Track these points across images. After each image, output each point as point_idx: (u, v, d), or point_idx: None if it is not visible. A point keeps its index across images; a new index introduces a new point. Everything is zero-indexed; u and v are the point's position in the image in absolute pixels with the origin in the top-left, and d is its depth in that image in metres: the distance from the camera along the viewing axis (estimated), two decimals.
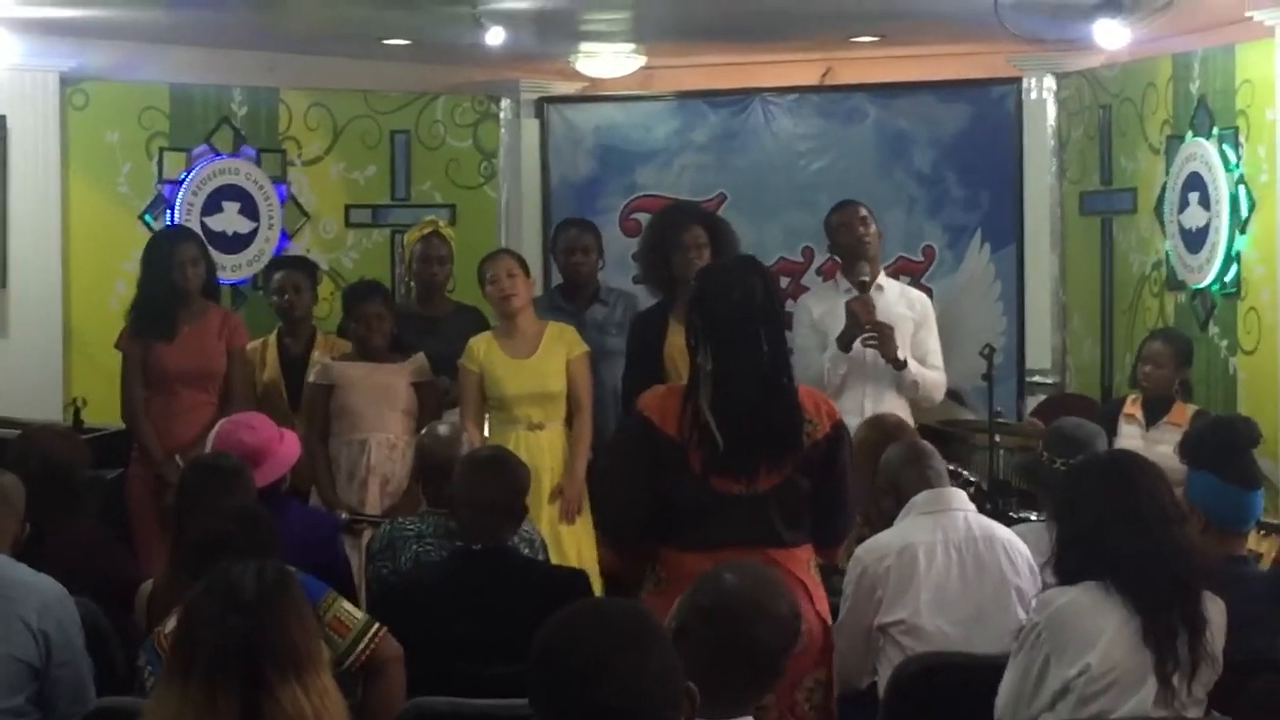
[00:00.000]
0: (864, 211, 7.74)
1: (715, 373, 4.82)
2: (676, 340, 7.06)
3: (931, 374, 7.66)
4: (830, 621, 4.93)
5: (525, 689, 2.89)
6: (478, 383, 7.49)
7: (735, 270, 5.12)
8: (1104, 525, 4.34)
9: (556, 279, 8.67)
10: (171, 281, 7.61)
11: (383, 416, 7.51)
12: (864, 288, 7.54)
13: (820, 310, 7.74)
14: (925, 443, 5.81)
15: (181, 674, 3.25)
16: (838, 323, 7.50)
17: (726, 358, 4.83)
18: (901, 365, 7.49)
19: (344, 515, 7.26)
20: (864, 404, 7.34)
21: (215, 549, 4.44)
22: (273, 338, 8.16)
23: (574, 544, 7.30)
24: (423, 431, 6.57)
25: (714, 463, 4.79)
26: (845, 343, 7.47)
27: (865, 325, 7.45)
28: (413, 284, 8.60)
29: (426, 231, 8.39)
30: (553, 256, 8.23)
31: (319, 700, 3.25)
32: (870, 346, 7.48)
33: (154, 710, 3.29)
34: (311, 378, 7.70)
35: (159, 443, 7.48)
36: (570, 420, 7.55)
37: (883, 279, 7.79)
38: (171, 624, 4.08)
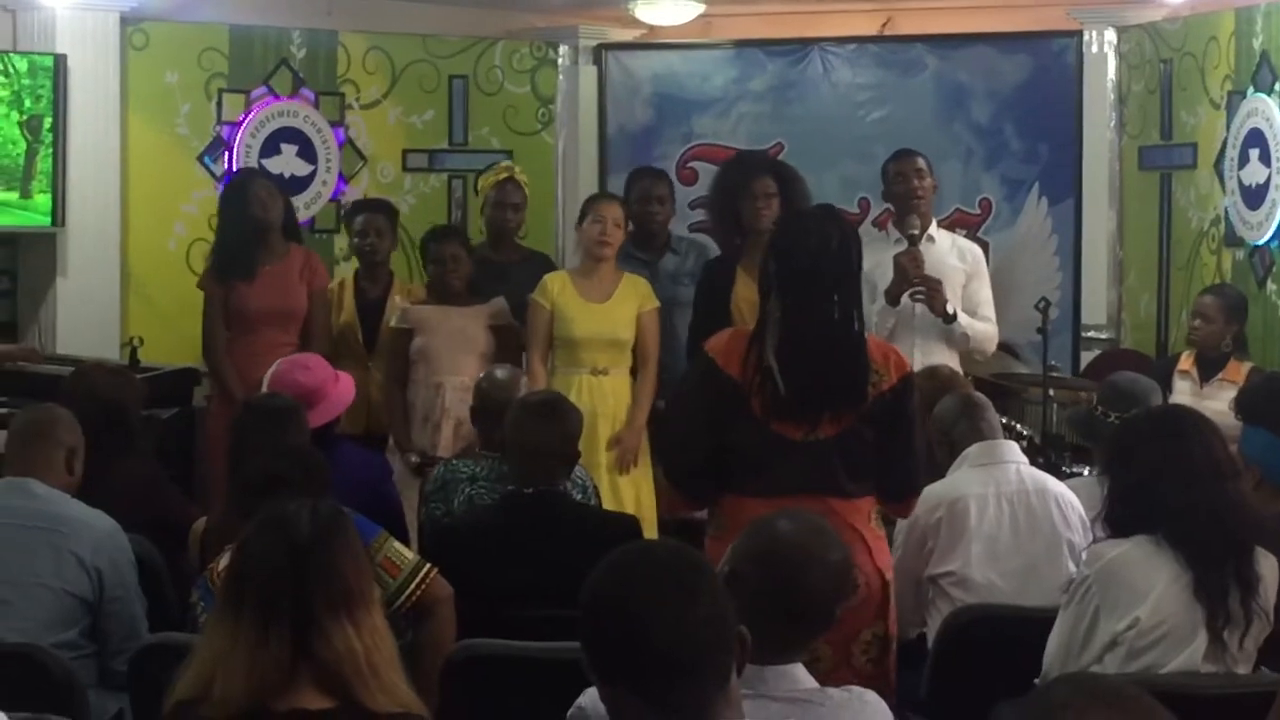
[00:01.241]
0: (921, 163, 7.72)
1: (783, 318, 4.82)
2: (744, 290, 7.07)
3: (982, 326, 7.64)
4: (889, 575, 4.90)
5: (576, 633, 2.91)
6: (548, 320, 7.50)
7: (813, 218, 5.11)
8: (1157, 478, 4.33)
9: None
10: (250, 215, 7.67)
11: (459, 360, 7.51)
12: (914, 241, 7.53)
13: (870, 262, 7.63)
14: (979, 395, 5.82)
15: (234, 609, 3.27)
16: (887, 275, 7.49)
17: (796, 304, 4.83)
18: (951, 319, 7.48)
19: (415, 458, 7.29)
20: (914, 356, 7.31)
21: (269, 488, 4.47)
22: (350, 279, 8.18)
23: (632, 491, 7.33)
24: (481, 374, 6.58)
25: (775, 407, 4.79)
26: (893, 297, 7.47)
27: (913, 280, 7.44)
28: (485, 228, 8.58)
29: (502, 177, 8.38)
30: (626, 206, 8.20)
31: (370, 639, 3.27)
32: (918, 301, 7.47)
33: (206, 644, 3.32)
34: (392, 322, 7.72)
35: (240, 383, 7.51)
36: (636, 372, 7.57)
37: (934, 230, 7.78)
38: (225, 561, 4.11)
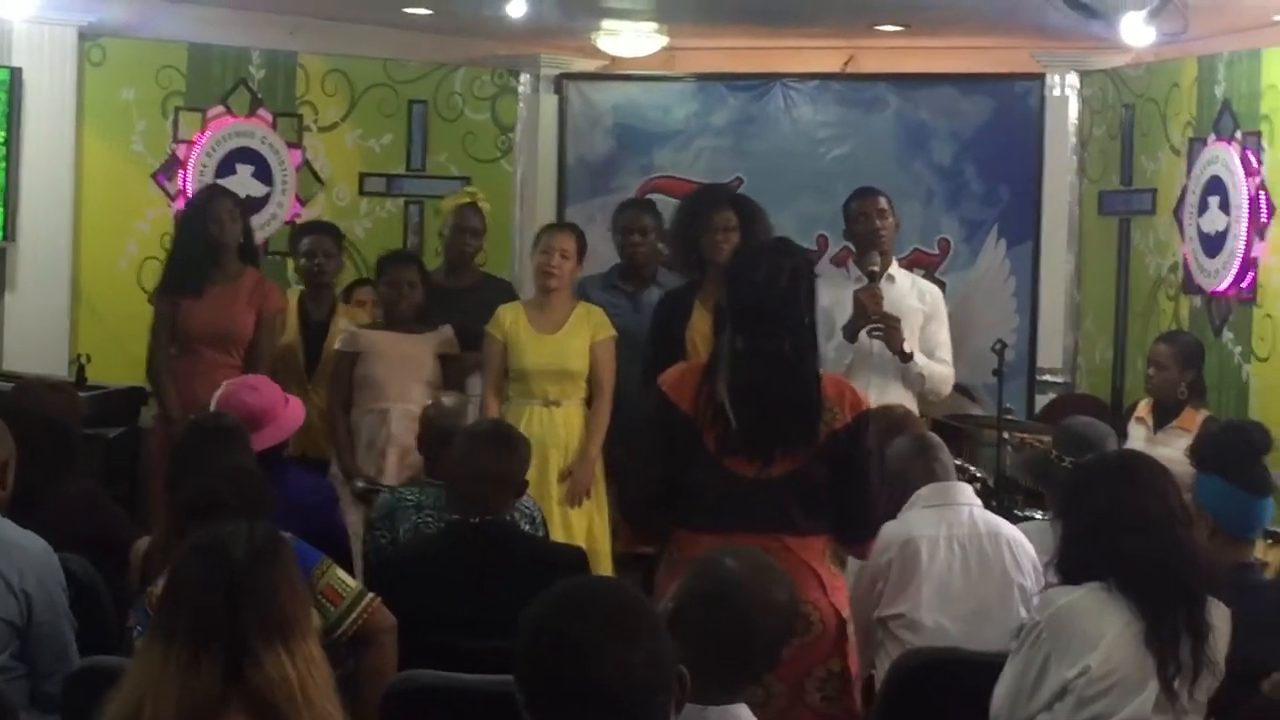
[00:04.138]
0: (883, 203, 7.70)
1: (736, 353, 4.77)
2: (699, 323, 7.03)
3: (939, 367, 7.62)
4: (845, 613, 4.85)
5: (510, 666, 2.85)
6: (501, 351, 7.46)
7: (764, 252, 5.07)
8: (1110, 525, 4.29)
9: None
10: (207, 234, 7.60)
11: (405, 387, 7.48)
12: (873, 278, 7.50)
13: (829, 298, 7.68)
14: (933, 435, 5.79)
15: (165, 634, 3.21)
16: (845, 312, 7.46)
17: (748, 338, 4.78)
18: (907, 358, 7.46)
19: (360, 484, 7.23)
20: (870, 394, 7.20)
21: (208, 509, 4.40)
22: (294, 301, 8.13)
23: (584, 524, 7.29)
24: (428, 402, 6.54)
25: (727, 443, 4.74)
26: (851, 333, 7.45)
27: (872, 316, 7.42)
28: (442, 253, 8.54)
29: (464, 201, 8.37)
30: (612, 236, 8.16)
31: (304, 667, 3.20)
32: (876, 338, 7.45)
33: (137, 669, 3.25)
34: (338, 345, 7.68)
35: (178, 402, 7.43)
36: (590, 402, 7.52)
37: (895, 270, 7.75)
38: (162, 584, 4.04)
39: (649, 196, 9.59)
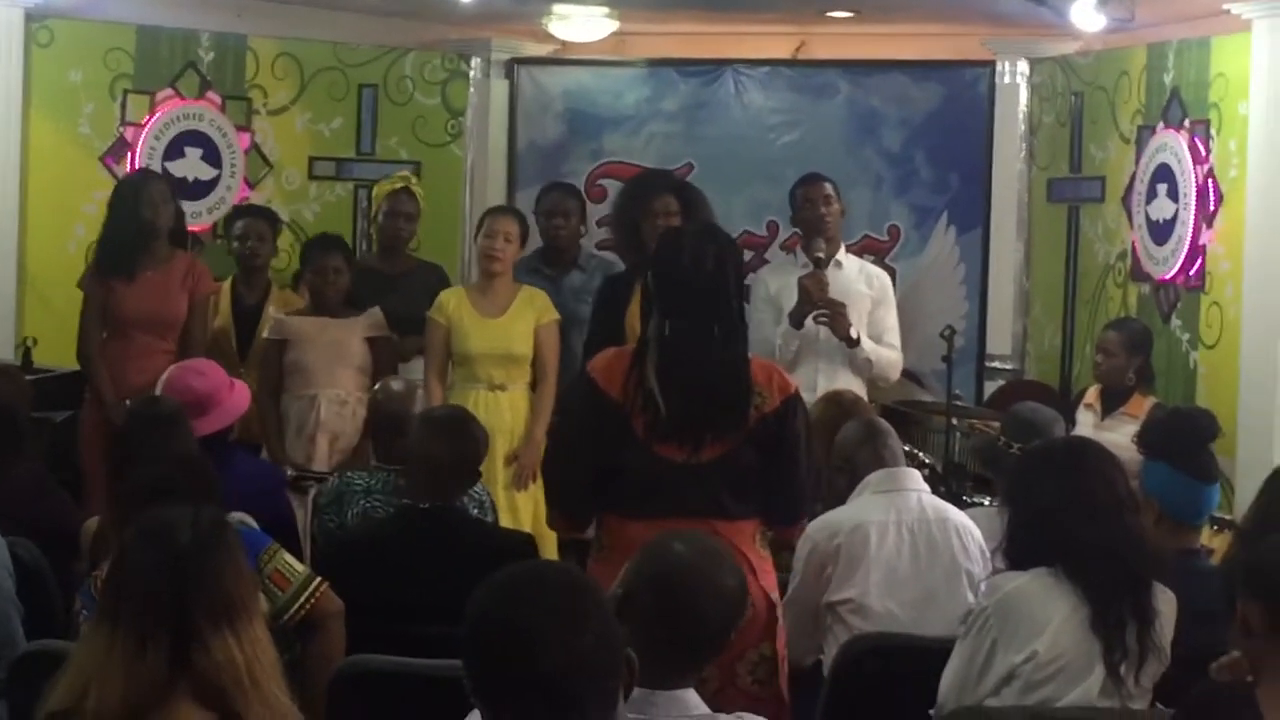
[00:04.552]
0: (829, 188, 7.71)
1: (664, 339, 4.77)
2: (639, 308, 7.02)
3: (886, 352, 7.63)
4: (775, 596, 4.87)
5: (458, 652, 2.84)
6: (444, 336, 7.47)
7: (688, 236, 5.07)
8: (1056, 511, 4.31)
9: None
10: (140, 217, 7.54)
11: (334, 373, 7.48)
12: (818, 264, 7.51)
13: (776, 285, 7.72)
14: (882, 421, 5.79)
15: (111, 618, 3.19)
16: (793, 297, 7.47)
17: (675, 324, 4.78)
18: (854, 343, 7.47)
19: (290, 471, 7.20)
20: (817, 380, 7.32)
21: (154, 495, 4.38)
22: (227, 285, 8.11)
23: (530, 507, 7.28)
24: (376, 386, 6.54)
25: (657, 429, 4.73)
26: (796, 319, 7.46)
27: (817, 302, 7.43)
28: (376, 237, 8.56)
29: (397, 187, 8.36)
30: (535, 219, 8.16)
31: (251, 650, 3.19)
32: (821, 324, 7.46)
33: (82, 653, 3.23)
34: (265, 333, 7.68)
35: (110, 386, 7.39)
36: (535, 385, 7.51)
37: (843, 255, 7.76)
38: (107, 568, 4.02)
39: (600, 182, 9.62)
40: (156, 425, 5.40)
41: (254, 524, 5.19)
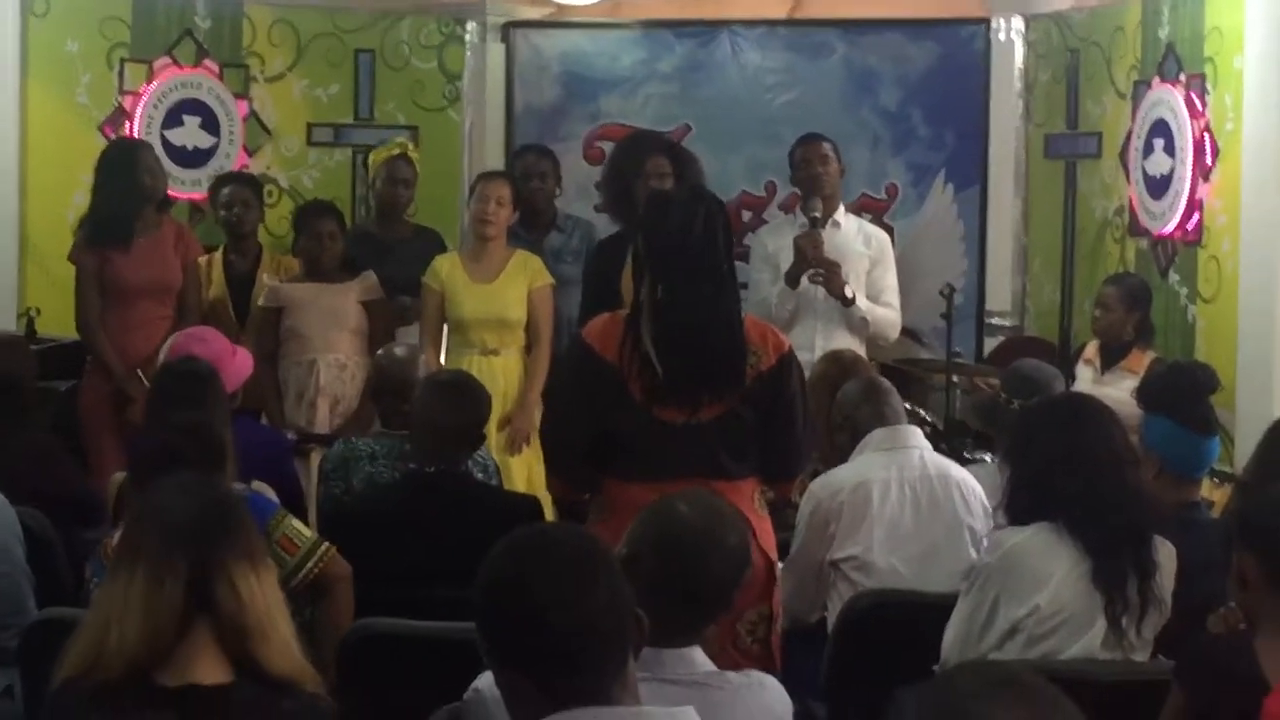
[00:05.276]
0: (827, 148, 7.74)
1: (658, 302, 4.79)
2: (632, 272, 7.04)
3: (884, 311, 7.66)
4: (773, 556, 4.91)
5: (472, 615, 2.88)
6: (439, 302, 7.49)
7: (678, 199, 5.09)
8: (1056, 467, 4.34)
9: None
10: (139, 185, 7.52)
11: (331, 337, 7.50)
12: (815, 223, 7.54)
13: (774, 244, 7.75)
14: (883, 379, 5.82)
15: (130, 560, 3.18)
16: (791, 257, 7.50)
17: (668, 287, 4.80)
18: (849, 302, 7.50)
19: (292, 435, 7.23)
20: (815, 340, 7.35)
21: (166, 461, 4.40)
22: (218, 255, 8.13)
23: (524, 471, 7.29)
24: (379, 352, 6.56)
25: (654, 392, 4.76)
26: (793, 279, 7.49)
27: (812, 261, 7.45)
28: (374, 203, 8.58)
29: (395, 153, 8.37)
30: None
31: (273, 595, 3.22)
32: (816, 283, 7.49)
33: (101, 602, 3.22)
34: (260, 301, 7.68)
35: (117, 357, 7.39)
36: (529, 349, 7.53)
37: (841, 215, 7.79)
38: (118, 536, 4.04)
39: (598, 144, 9.62)
40: (193, 385, 5.44)
41: (270, 491, 5.23)
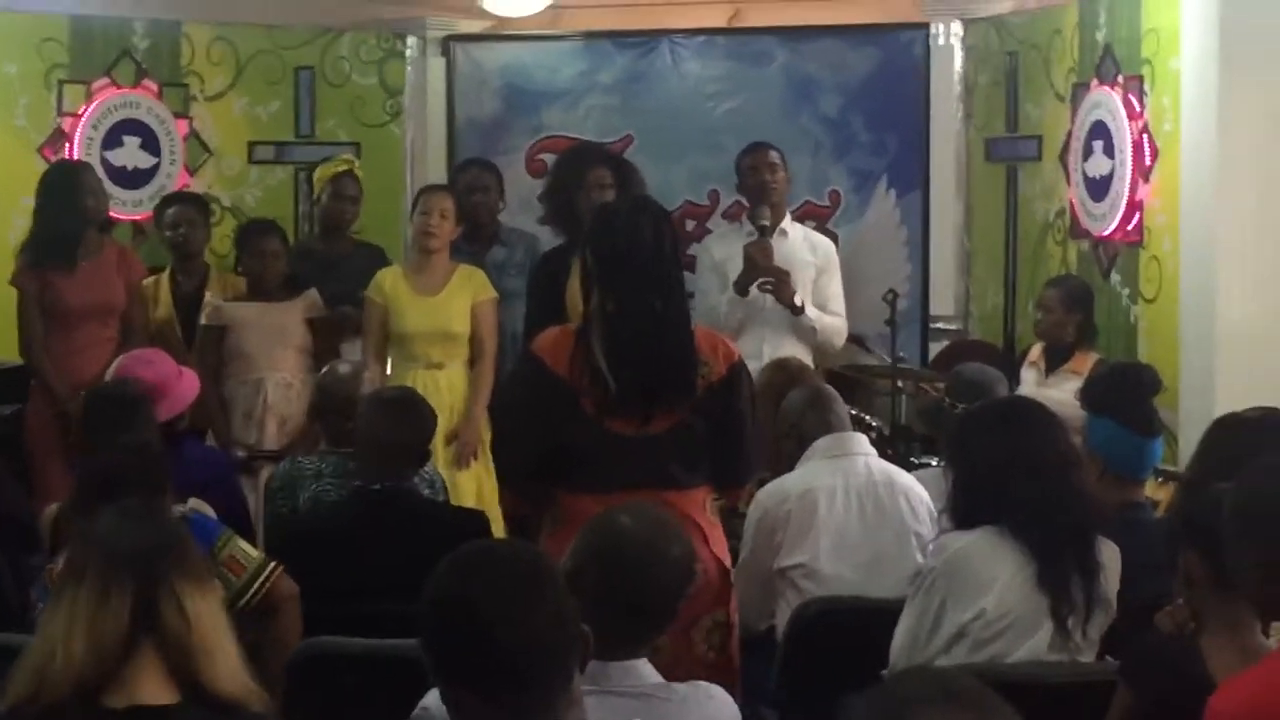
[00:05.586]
0: (774, 156, 7.77)
1: (605, 314, 4.80)
2: (577, 283, 7.04)
3: (831, 320, 7.69)
4: (727, 562, 4.92)
5: (418, 631, 2.87)
6: (382, 315, 7.48)
7: (624, 210, 5.11)
8: (998, 470, 4.35)
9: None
10: (82, 206, 7.50)
11: (276, 356, 7.51)
12: (764, 232, 7.56)
13: (722, 253, 7.78)
14: (828, 387, 5.85)
15: (74, 580, 3.16)
16: (739, 265, 7.52)
17: (616, 298, 4.81)
18: (798, 311, 7.52)
19: (242, 453, 7.22)
20: (763, 348, 7.37)
21: (108, 484, 4.39)
22: (165, 276, 8.09)
23: (473, 485, 7.28)
24: (323, 370, 6.54)
25: (606, 405, 4.77)
26: (742, 287, 7.51)
27: (762, 270, 7.47)
28: (318, 220, 8.56)
29: (341, 169, 8.37)
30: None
31: (218, 615, 3.21)
32: (766, 291, 7.51)
33: (46, 625, 3.18)
34: (204, 320, 7.66)
35: (61, 381, 7.36)
36: (473, 363, 7.52)
37: (787, 224, 7.82)
38: (62, 561, 4.02)
39: (540, 156, 9.62)
40: (121, 408, 5.42)
41: (210, 511, 5.21)
